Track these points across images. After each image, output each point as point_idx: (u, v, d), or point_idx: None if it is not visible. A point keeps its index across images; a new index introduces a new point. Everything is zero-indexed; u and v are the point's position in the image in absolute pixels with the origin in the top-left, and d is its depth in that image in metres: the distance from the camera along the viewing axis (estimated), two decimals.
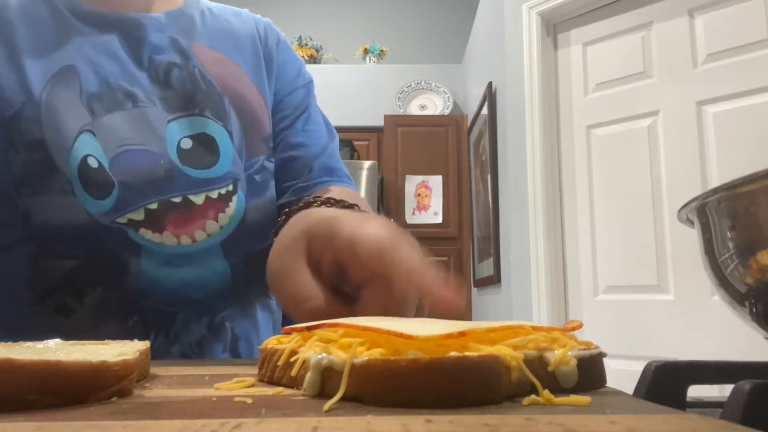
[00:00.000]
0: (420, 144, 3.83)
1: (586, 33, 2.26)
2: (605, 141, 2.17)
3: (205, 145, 0.62)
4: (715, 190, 0.36)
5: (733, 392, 0.28)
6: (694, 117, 1.93)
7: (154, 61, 0.62)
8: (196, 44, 0.65)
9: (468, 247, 3.61)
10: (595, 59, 2.23)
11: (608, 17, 2.19)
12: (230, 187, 0.62)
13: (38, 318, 0.55)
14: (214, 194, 0.61)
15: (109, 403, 0.22)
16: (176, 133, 0.60)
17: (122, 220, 0.56)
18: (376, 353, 0.22)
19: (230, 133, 0.64)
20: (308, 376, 0.24)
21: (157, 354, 0.57)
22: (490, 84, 2.90)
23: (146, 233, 0.57)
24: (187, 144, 0.61)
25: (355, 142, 4.00)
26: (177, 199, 0.59)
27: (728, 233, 0.37)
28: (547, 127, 2.29)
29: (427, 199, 3.77)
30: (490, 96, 2.87)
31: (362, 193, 3.59)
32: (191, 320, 0.60)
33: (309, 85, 0.77)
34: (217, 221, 0.61)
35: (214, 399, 0.23)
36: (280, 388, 0.26)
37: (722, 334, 1.68)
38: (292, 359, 0.26)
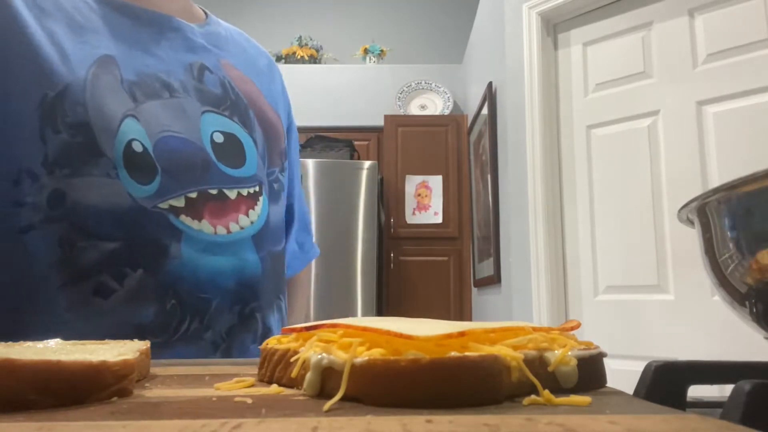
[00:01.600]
0: (420, 144, 3.83)
1: (586, 33, 2.26)
2: (605, 141, 2.17)
3: (234, 145, 0.65)
4: (715, 190, 0.36)
5: (733, 392, 0.28)
6: (694, 117, 1.93)
7: (189, 58, 0.65)
8: (224, 61, 0.70)
9: (468, 247, 3.61)
10: (595, 59, 2.23)
11: (608, 17, 2.19)
12: (257, 188, 0.66)
13: (70, 300, 0.55)
14: (245, 192, 0.64)
15: (109, 403, 0.22)
16: (210, 125, 0.63)
17: (164, 205, 0.58)
18: (376, 353, 0.22)
19: (255, 141, 0.68)
20: (308, 376, 0.24)
21: (191, 340, 0.59)
22: (490, 84, 2.90)
23: (186, 219, 0.59)
24: (219, 138, 0.64)
25: (355, 142, 4.00)
26: (213, 191, 0.62)
27: (728, 233, 0.37)
28: (547, 127, 2.29)
29: (427, 199, 3.77)
30: (490, 96, 2.87)
31: (362, 193, 3.59)
32: (224, 308, 0.61)
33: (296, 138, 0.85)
34: (248, 216, 0.64)
35: (214, 399, 0.23)
36: (280, 388, 0.26)
37: (722, 334, 1.68)
38: (292, 359, 0.26)
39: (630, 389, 0.34)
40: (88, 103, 0.56)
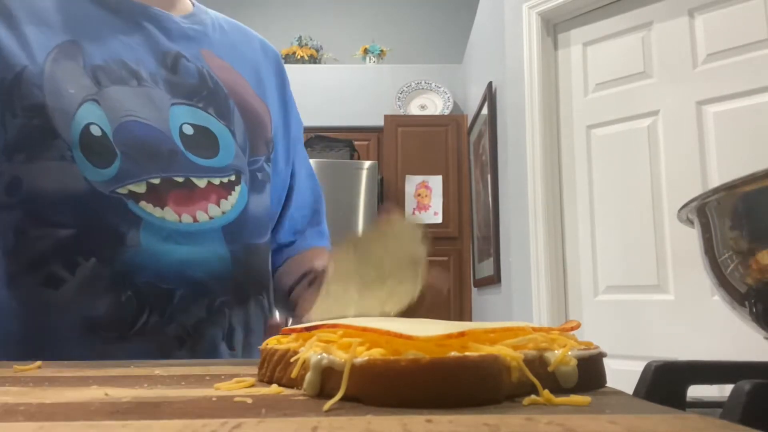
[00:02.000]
0: (420, 144, 3.83)
1: (586, 33, 2.26)
2: (605, 141, 2.17)
3: (207, 137, 0.62)
4: (715, 190, 0.36)
5: (733, 392, 0.28)
6: (694, 117, 1.93)
7: (163, 47, 0.63)
8: (204, 50, 0.67)
9: (468, 247, 3.61)
10: (595, 59, 2.23)
11: (608, 17, 2.19)
12: (233, 177, 0.63)
13: (24, 291, 0.53)
14: (217, 181, 0.61)
15: (109, 403, 0.22)
16: (179, 117, 0.60)
17: (123, 190, 0.55)
18: (376, 353, 0.22)
19: (233, 132, 0.64)
20: (308, 376, 0.24)
21: (151, 334, 0.55)
22: (490, 84, 2.90)
23: (147, 206, 0.56)
24: (189, 130, 0.61)
25: (355, 142, 3.99)
26: (179, 179, 0.58)
27: (728, 233, 0.37)
28: (547, 127, 2.28)
29: (427, 199, 3.77)
30: (490, 96, 2.87)
31: (362, 194, 3.58)
32: (189, 301, 0.58)
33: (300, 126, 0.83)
34: (219, 206, 0.61)
35: (214, 399, 0.23)
36: (280, 388, 0.26)
37: (722, 334, 1.68)
38: (292, 359, 0.26)
39: (630, 389, 0.34)
40: (45, 86, 0.54)
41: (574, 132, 2.25)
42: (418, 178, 3.79)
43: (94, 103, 0.56)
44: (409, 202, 3.77)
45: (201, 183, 0.60)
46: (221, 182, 0.61)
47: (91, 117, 0.55)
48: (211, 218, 0.60)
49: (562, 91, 2.31)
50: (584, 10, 2.24)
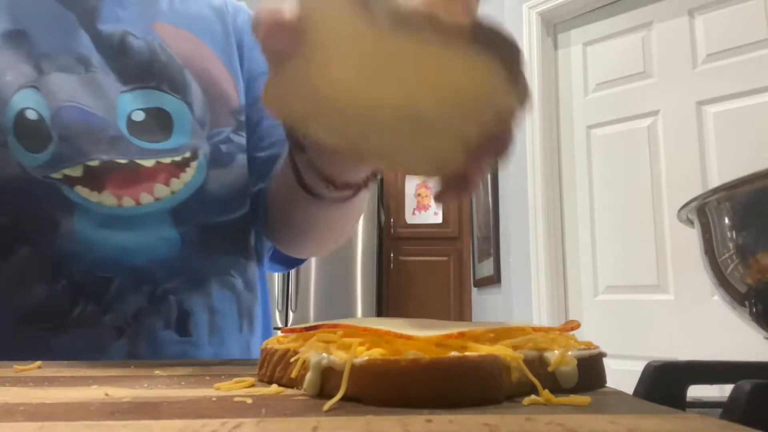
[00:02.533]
0: None
1: (586, 33, 2.26)
2: (605, 141, 2.17)
3: (159, 118, 0.59)
4: (715, 190, 0.36)
5: (733, 392, 0.28)
6: (694, 117, 1.93)
7: (109, 29, 0.60)
8: (158, 24, 0.63)
9: (468, 247, 3.61)
10: (595, 59, 2.23)
11: (608, 17, 2.19)
12: (187, 154, 0.59)
13: None
14: (167, 160, 0.58)
15: (109, 403, 0.22)
16: (128, 105, 0.58)
17: (57, 175, 0.53)
18: (376, 353, 0.22)
19: (189, 105, 0.61)
20: (308, 376, 0.24)
21: (87, 325, 0.53)
22: None
23: (82, 191, 0.54)
24: (139, 116, 0.58)
25: None
26: (122, 161, 0.55)
27: (728, 233, 0.37)
28: (547, 127, 2.29)
29: (427, 199, 3.77)
30: None
31: None
32: (128, 289, 0.55)
33: None
34: (168, 186, 0.57)
35: (214, 399, 0.23)
36: (280, 388, 0.26)
37: (722, 334, 1.68)
38: (292, 359, 0.26)
39: (630, 389, 0.34)
40: None
41: (574, 132, 2.25)
42: (418, 178, 3.79)
43: (32, 90, 0.54)
44: (409, 202, 3.77)
45: (148, 163, 0.57)
46: (173, 161, 0.58)
47: (28, 102, 0.53)
48: (157, 200, 0.57)
49: (562, 91, 2.31)
50: (584, 10, 2.24)
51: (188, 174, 0.59)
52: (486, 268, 2.96)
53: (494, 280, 2.73)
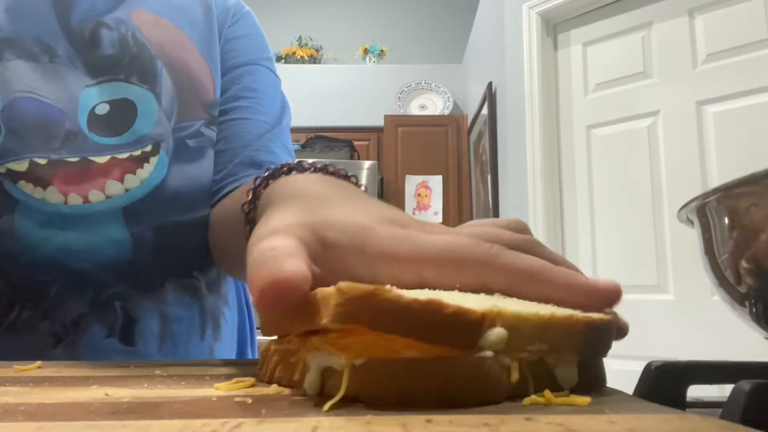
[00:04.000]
0: (420, 144, 3.83)
1: (586, 33, 2.26)
2: (605, 141, 2.17)
3: (123, 109, 0.55)
4: (715, 190, 0.36)
5: (733, 392, 0.28)
6: (694, 117, 1.93)
7: (79, 19, 0.56)
8: (136, 11, 0.60)
9: None
10: (595, 59, 2.23)
11: (608, 17, 2.19)
12: (148, 148, 0.55)
13: None
14: (124, 155, 0.54)
15: (109, 403, 0.22)
16: (92, 99, 0.54)
17: (0, 169, 0.49)
18: (376, 353, 0.22)
19: (157, 95, 0.57)
20: (308, 376, 0.24)
21: (22, 330, 0.50)
22: (490, 84, 2.90)
23: (26, 186, 0.50)
24: (103, 109, 0.54)
25: (355, 142, 4.00)
26: (73, 159, 0.51)
27: (728, 233, 0.37)
28: (547, 127, 2.29)
29: (427, 199, 3.77)
30: (490, 96, 2.87)
31: None
32: (69, 295, 0.52)
33: (257, 62, 0.68)
34: (122, 183, 0.53)
35: (214, 399, 0.23)
36: (280, 388, 0.26)
37: (722, 334, 1.68)
38: (292, 360, 0.26)
39: (630, 389, 0.34)
40: None
41: (574, 132, 2.25)
42: (418, 178, 3.79)
43: None
44: (409, 202, 3.77)
45: (101, 159, 0.52)
46: (130, 155, 0.54)
47: None
48: (108, 197, 0.52)
49: (562, 91, 2.31)
50: (584, 10, 2.24)
51: (146, 170, 0.54)
52: None
53: None
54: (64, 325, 0.51)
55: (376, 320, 0.21)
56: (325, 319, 0.22)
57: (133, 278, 0.54)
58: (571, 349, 0.25)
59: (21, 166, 0.50)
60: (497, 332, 0.22)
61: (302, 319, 0.25)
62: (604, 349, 0.27)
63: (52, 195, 0.50)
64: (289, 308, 0.24)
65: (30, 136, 0.50)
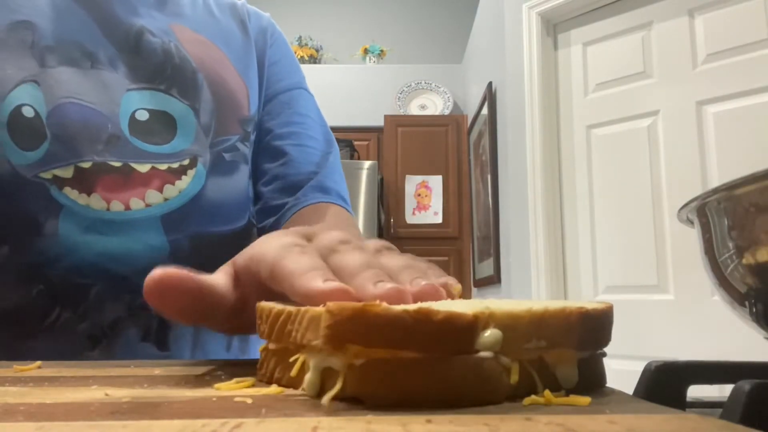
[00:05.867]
0: (420, 144, 3.83)
1: (586, 33, 2.26)
2: (605, 141, 2.17)
3: (163, 121, 0.57)
4: (715, 190, 0.36)
5: (733, 392, 0.28)
6: (694, 117, 1.93)
7: (125, 24, 0.58)
8: (176, 25, 0.62)
9: (468, 247, 3.61)
10: (595, 59, 2.23)
11: (608, 17, 2.19)
12: (186, 161, 0.57)
13: None
14: (164, 166, 0.56)
15: (109, 403, 0.22)
16: (133, 104, 0.56)
17: (46, 175, 0.51)
18: (376, 353, 0.22)
19: (196, 111, 0.59)
20: (308, 376, 0.24)
21: (61, 332, 0.51)
22: (490, 84, 2.90)
23: (71, 192, 0.51)
24: (143, 116, 0.56)
25: (355, 142, 4.00)
26: (116, 164, 0.53)
27: (728, 233, 0.37)
28: (547, 127, 2.29)
29: (427, 199, 3.77)
30: (490, 96, 2.87)
31: (362, 194, 3.59)
32: (107, 297, 0.53)
33: (299, 86, 0.74)
34: (161, 192, 0.55)
35: (214, 399, 0.23)
36: (280, 388, 0.26)
37: (722, 334, 1.68)
38: (291, 359, 0.26)
39: (630, 389, 0.34)
40: None
41: (574, 132, 2.25)
42: (418, 178, 3.79)
43: (32, 84, 0.52)
44: (409, 202, 3.77)
45: (142, 168, 0.54)
46: (169, 167, 0.56)
47: (26, 98, 0.52)
48: (148, 206, 0.54)
49: (562, 91, 2.31)
50: (584, 10, 2.24)
51: (184, 181, 0.57)
52: (486, 268, 2.96)
53: (494, 279, 2.73)
54: (101, 327, 0.53)
55: (368, 337, 0.21)
56: (315, 342, 0.22)
57: None
58: (570, 343, 0.25)
59: (66, 172, 0.52)
60: (492, 333, 0.22)
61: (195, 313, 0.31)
62: (604, 340, 0.27)
63: (96, 201, 0.52)
64: (172, 300, 0.29)
65: (75, 141, 0.52)
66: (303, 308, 0.25)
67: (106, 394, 0.24)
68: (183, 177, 0.57)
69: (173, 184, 0.56)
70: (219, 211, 0.60)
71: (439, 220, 3.73)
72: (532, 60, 2.32)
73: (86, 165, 0.52)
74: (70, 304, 0.52)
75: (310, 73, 4.04)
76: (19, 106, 0.51)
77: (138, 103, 0.56)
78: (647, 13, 2.09)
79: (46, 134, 0.52)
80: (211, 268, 0.60)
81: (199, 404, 0.22)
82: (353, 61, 4.47)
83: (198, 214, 0.58)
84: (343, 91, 4.13)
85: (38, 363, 0.36)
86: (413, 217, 3.75)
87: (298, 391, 0.25)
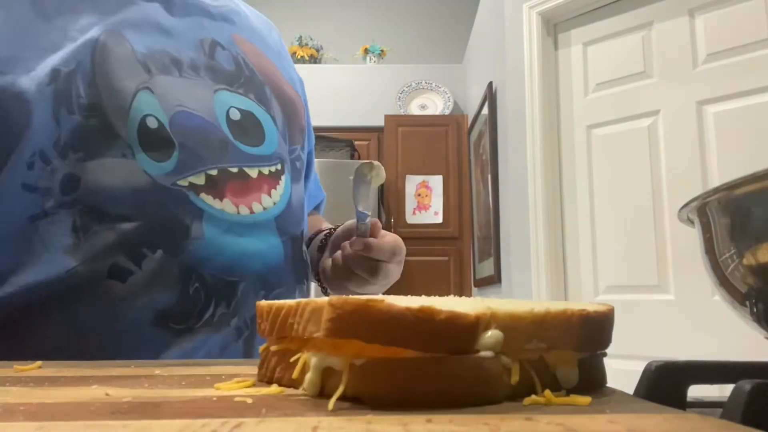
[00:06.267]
0: (420, 144, 3.83)
1: (587, 33, 2.26)
2: (605, 141, 2.17)
3: (252, 122, 0.62)
4: (715, 190, 0.36)
5: (733, 392, 0.28)
6: (694, 117, 1.93)
7: (199, 34, 0.62)
8: (236, 35, 0.66)
9: (468, 247, 3.61)
10: (595, 59, 2.23)
11: (608, 17, 2.19)
12: (278, 167, 0.63)
13: (83, 285, 0.51)
14: (266, 170, 0.61)
15: (109, 403, 0.22)
16: (225, 102, 0.60)
17: (183, 182, 0.55)
18: (376, 353, 0.22)
19: (273, 118, 0.64)
20: (308, 376, 0.24)
21: (218, 326, 0.56)
22: (490, 84, 2.90)
23: (207, 198, 0.56)
24: (235, 115, 0.60)
25: (355, 142, 4.00)
26: (234, 169, 0.58)
27: (729, 233, 0.37)
28: (547, 127, 2.28)
29: (427, 199, 3.77)
30: (490, 96, 2.87)
31: None
32: (250, 292, 0.58)
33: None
34: (270, 196, 0.61)
35: (214, 399, 0.23)
36: (280, 388, 0.26)
37: (722, 334, 1.68)
38: (292, 360, 0.26)
39: (630, 389, 0.34)
40: (98, 83, 0.53)
41: (574, 132, 2.25)
42: (419, 178, 3.79)
43: (147, 92, 0.55)
44: (410, 202, 3.77)
45: (253, 173, 0.60)
46: (270, 171, 0.61)
47: (147, 108, 0.54)
48: (265, 209, 0.60)
49: (562, 91, 2.31)
50: (584, 10, 2.24)
51: (281, 186, 0.63)
52: (486, 268, 2.96)
53: (495, 279, 2.72)
54: (246, 321, 0.58)
55: (369, 333, 0.21)
56: (317, 333, 0.22)
57: (288, 280, 0.63)
58: (570, 345, 0.25)
59: (199, 179, 0.56)
60: (493, 334, 0.22)
61: None
62: (604, 342, 0.27)
63: (228, 206, 0.57)
64: None
65: (197, 148, 0.56)
66: (304, 301, 0.26)
67: (107, 394, 0.24)
68: (280, 182, 0.63)
69: (275, 188, 0.62)
70: (299, 214, 0.66)
71: (439, 220, 3.73)
72: (533, 60, 2.32)
73: (213, 172, 0.57)
74: (224, 300, 0.56)
75: (310, 73, 4.03)
76: (144, 117, 0.54)
77: (228, 102, 0.60)
78: (647, 13, 2.09)
79: (173, 143, 0.55)
80: (301, 264, 0.67)
81: (200, 404, 0.22)
82: (353, 61, 4.46)
83: (291, 217, 0.64)
84: (344, 91, 4.13)
85: (38, 363, 0.36)
86: (413, 217, 3.75)
87: (299, 391, 0.25)
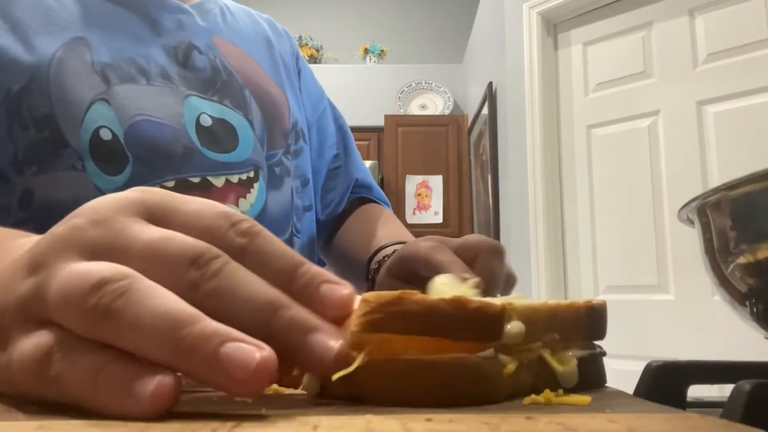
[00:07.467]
0: (420, 144, 3.83)
1: (587, 33, 2.26)
2: (605, 141, 2.17)
3: (225, 128, 0.59)
4: (715, 190, 0.36)
5: (734, 392, 0.28)
6: (694, 117, 1.93)
7: (174, 40, 0.60)
8: (217, 38, 0.64)
9: None
10: (595, 59, 2.23)
11: (608, 17, 2.19)
12: (251, 174, 0.60)
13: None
14: (235, 178, 0.58)
15: None
16: (196, 108, 0.58)
17: None
18: (376, 353, 0.22)
19: (251, 123, 0.62)
20: (308, 376, 0.24)
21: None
22: (490, 84, 2.90)
23: None
24: (206, 121, 0.58)
25: (356, 142, 4.00)
26: (195, 179, 0.55)
27: (729, 233, 0.37)
28: (547, 127, 2.29)
29: (427, 199, 3.77)
30: (490, 96, 2.87)
31: None
32: None
33: (328, 103, 0.82)
34: (238, 205, 0.58)
35: (214, 399, 0.23)
36: (280, 388, 0.26)
37: (722, 334, 1.68)
38: None
39: (630, 389, 0.34)
40: (52, 94, 0.51)
41: (574, 132, 2.25)
42: (419, 178, 3.79)
43: (103, 104, 0.53)
44: (410, 202, 3.77)
45: (218, 182, 0.57)
46: (239, 179, 0.59)
47: (101, 120, 0.52)
48: None
49: (563, 91, 2.31)
50: (584, 10, 2.24)
51: (252, 195, 0.59)
52: None
53: None
54: None
55: (403, 325, 0.22)
56: (352, 329, 0.22)
57: None
58: (578, 334, 0.26)
59: None
60: (516, 326, 0.23)
61: None
62: (603, 330, 0.28)
63: None
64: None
65: (155, 160, 0.54)
66: None
67: None
68: (251, 190, 0.59)
69: (245, 197, 0.59)
70: (274, 225, 0.63)
71: (439, 220, 3.73)
72: (533, 60, 2.32)
73: (170, 184, 0.54)
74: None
75: None
76: (97, 129, 0.52)
77: (199, 108, 0.58)
78: (647, 13, 2.09)
79: (127, 156, 0.53)
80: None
81: (199, 404, 0.22)
82: (353, 61, 4.47)
83: (266, 226, 0.59)
84: (344, 91, 4.13)
85: None
86: (413, 217, 3.75)
87: (298, 391, 0.25)
